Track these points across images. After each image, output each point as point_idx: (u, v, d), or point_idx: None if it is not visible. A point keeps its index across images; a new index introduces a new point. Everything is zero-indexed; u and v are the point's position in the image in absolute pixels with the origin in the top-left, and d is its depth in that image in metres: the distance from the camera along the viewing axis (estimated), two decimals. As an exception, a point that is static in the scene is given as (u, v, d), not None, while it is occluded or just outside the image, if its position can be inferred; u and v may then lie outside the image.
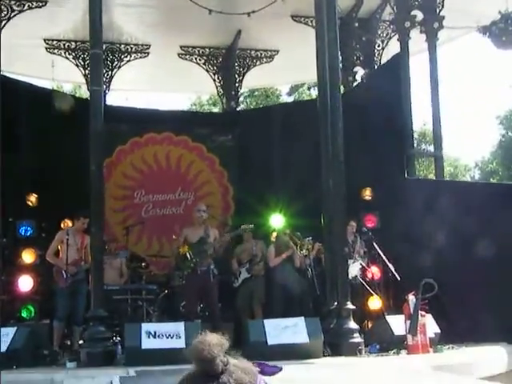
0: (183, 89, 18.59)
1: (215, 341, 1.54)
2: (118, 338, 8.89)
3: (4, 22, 11.37)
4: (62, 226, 9.60)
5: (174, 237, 9.69)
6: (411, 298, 7.89)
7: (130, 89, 17.02)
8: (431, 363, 6.93)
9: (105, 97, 13.62)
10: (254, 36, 13.69)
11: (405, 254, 9.61)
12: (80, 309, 8.97)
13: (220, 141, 12.79)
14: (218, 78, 14.82)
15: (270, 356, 6.89)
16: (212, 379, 1.50)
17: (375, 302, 9.51)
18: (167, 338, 7.14)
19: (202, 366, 1.50)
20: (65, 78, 16.20)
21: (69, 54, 13.83)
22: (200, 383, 1.50)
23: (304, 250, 9.60)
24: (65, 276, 9.03)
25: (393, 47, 12.54)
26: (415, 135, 19.05)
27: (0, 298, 9.29)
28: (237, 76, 14.72)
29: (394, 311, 9.01)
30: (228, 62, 14.57)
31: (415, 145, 18.15)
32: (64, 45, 13.72)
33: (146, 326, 7.45)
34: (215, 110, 25.47)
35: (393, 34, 12.72)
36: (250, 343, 7.40)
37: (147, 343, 7.10)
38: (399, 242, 9.73)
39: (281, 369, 1.68)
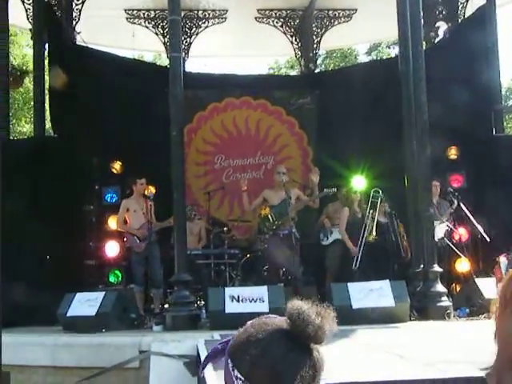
0: (261, 53, 18.39)
1: (323, 311, 1.39)
2: (202, 303, 9.01)
3: (86, -6, 11.54)
4: (145, 192, 9.73)
5: (243, 188, 9.52)
6: (502, 259, 7.61)
7: (208, 55, 16.99)
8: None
9: (184, 64, 13.71)
10: (331, -5, 13.36)
11: (494, 214, 9.26)
12: (157, 272, 9.13)
13: (299, 103, 12.64)
14: (296, 41, 14.58)
15: (354, 320, 6.83)
16: (306, 352, 1.36)
17: (463, 264, 9.24)
18: (250, 301, 7.16)
19: (308, 333, 1.34)
20: (145, 47, 16.33)
21: (148, 23, 13.90)
22: (290, 356, 1.35)
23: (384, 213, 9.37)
24: (138, 241, 9.20)
25: (478, -1, 11.97)
26: (503, 91, 18.29)
27: (88, 263, 9.62)
28: (314, 37, 14.43)
29: (483, 274, 8.73)
30: (305, 24, 14.29)
31: (503, 101, 17.40)
32: (144, 14, 13.79)
33: (229, 290, 7.48)
34: (293, 73, 25.18)
35: (478, -17, 12.11)
36: (333, 307, 7.27)
37: (231, 307, 7.14)
38: (488, 202, 9.38)
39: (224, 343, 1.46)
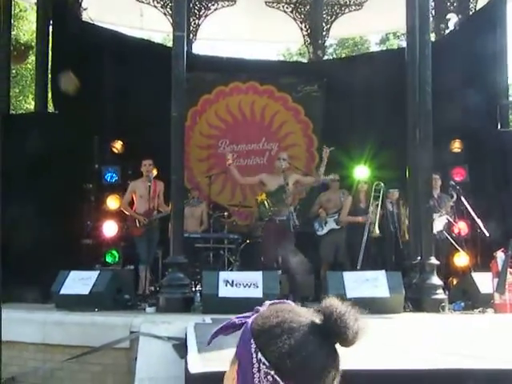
0: (270, 39, 18.24)
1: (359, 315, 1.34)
2: (199, 287, 8.98)
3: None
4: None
5: (228, 162, 9.04)
6: (500, 255, 7.55)
7: (217, 38, 16.88)
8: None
9: (191, 46, 13.62)
10: (342, -18, 13.24)
11: (495, 210, 9.19)
12: (150, 255, 9.17)
13: (306, 91, 12.54)
14: (305, 27, 14.44)
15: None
16: (335, 353, 1.31)
17: (461, 258, 9.19)
18: (245, 286, 7.13)
19: (346, 338, 1.29)
20: (154, 27, 16.21)
21: (157, 2, 13.79)
22: (321, 354, 1.29)
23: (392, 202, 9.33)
24: (138, 225, 9.20)
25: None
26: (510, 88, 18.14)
27: (85, 242, 9.60)
28: (324, 24, 14.31)
29: (481, 268, 8.67)
30: (315, 10, 14.17)
31: (510, 96, 17.26)
32: (152, -7, 13.68)
33: (223, 275, 7.46)
34: (303, 60, 25.04)
35: (490, -23, 11.97)
36: (328, 296, 7.25)
37: (224, 291, 7.11)
38: (489, 197, 9.31)
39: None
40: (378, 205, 9.24)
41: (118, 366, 6.27)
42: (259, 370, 1.28)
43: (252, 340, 1.30)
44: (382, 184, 9.34)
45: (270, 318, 1.32)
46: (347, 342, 1.30)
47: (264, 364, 1.27)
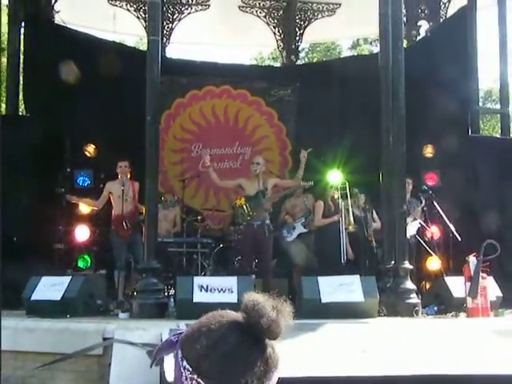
0: (244, 43, 18.24)
1: (280, 305, 1.34)
2: (172, 292, 8.92)
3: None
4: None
5: (206, 164, 9.15)
6: (472, 259, 7.60)
7: (190, 42, 16.84)
8: (491, 327, 6.68)
9: (165, 49, 13.57)
10: (315, -12, 13.30)
11: (466, 214, 9.28)
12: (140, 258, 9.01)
13: (279, 95, 12.59)
14: (279, 32, 14.52)
15: (323, 314, 6.81)
16: (259, 347, 1.31)
17: (434, 263, 9.25)
18: (219, 292, 7.09)
19: (261, 326, 1.29)
20: (126, 31, 16.10)
21: (130, 6, 13.71)
22: (241, 349, 1.29)
23: (358, 206, 9.37)
24: (126, 228, 9.05)
25: (459, 0, 11.96)
26: (481, 93, 18.38)
27: (56, 247, 9.47)
28: (297, 29, 14.40)
29: (453, 273, 8.74)
30: (289, 15, 14.24)
31: (480, 103, 17.48)
32: (126, -4, 13.61)
33: (198, 280, 7.40)
34: (276, 65, 25.10)
35: (460, -15, 12.11)
36: (303, 300, 7.27)
37: (199, 296, 7.05)
38: (460, 202, 9.40)
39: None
40: (346, 202, 9.30)
41: (90, 373, 6.19)
42: (186, 378, 1.29)
43: (179, 351, 1.32)
44: (356, 189, 9.39)
45: (194, 326, 1.35)
46: (266, 332, 1.30)
47: (188, 370, 1.29)
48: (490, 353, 5.12)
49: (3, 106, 21.49)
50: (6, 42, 12.29)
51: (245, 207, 8.95)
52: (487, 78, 23.91)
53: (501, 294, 8.02)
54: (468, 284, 7.56)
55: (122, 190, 8.98)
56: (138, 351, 5.65)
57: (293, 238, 10.01)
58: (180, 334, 1.37)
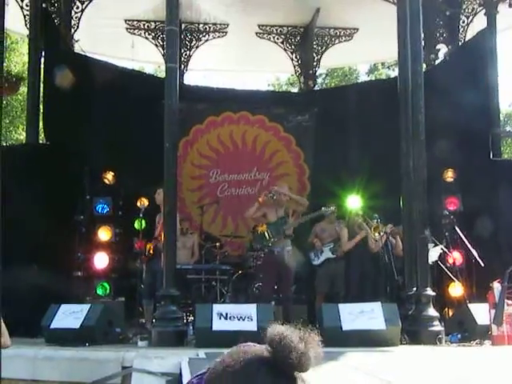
0: (261, 69, 18.38)
1: (307, 335, 1.27)
2: (191, 318, 8.85)
3: (86, 3, 11.47)
4: (138, 204, 9.56)
5: (260, 199, 9.32)
6: (496, 285, 7.45)
7: (208, 69, 16.96)
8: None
9: (183, 76, 13.66)
10: (332, 14, 13.33)
11: (489, 239, 9.14)
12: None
13: (297, 121, 12.55)
14: (296, 57, 14.58)
15: (344, 342, 6.69)
16: (290, 382, 1.24)
17: (457, 289, 9.11)
18: (239, 319, 7.01)
19: (291, 362, 1.22)
20: (145, 58, 16.27)
21: (148, 34, 13.87)
22: (266, 381, 1.22)
23: (378, 233, 9.30)
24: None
25: (479, 23, 11.90)
26: (502, 116, 18.26)
27: (76, 274, 9.45)
28: (315, 55, 14.43)
29: (477, 299, 8.58)
30: (306, 41, 14.28)
31: (501, 126, 17.35)
32: (144, 25, 13.76)
33: (217, 307, 7.32)
34: (293, 90, 25.17)
35: (479, 8, 12.05)
36: (323, 328, 7.15)
37: (218, 324, 6.98)
38: (483, 227, 9.26)
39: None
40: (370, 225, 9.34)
41: (110, 402, 6.12)
42: None
43: None
44: (377, 216, 9.35)
45: (218, 367, 1.27)
46: (296, 366, 1.23)
47: None
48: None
49: (24, 134, 21.80)
50: (26, 72, 12.43)
51: (266, 234, 8.93)
52: (508, 100, 23.76)
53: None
54: (493, 311, 7.40)
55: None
56: (157, 380, 5.58)
57: (319, 262, 9.90)
58: (202, 375, 1.31)
